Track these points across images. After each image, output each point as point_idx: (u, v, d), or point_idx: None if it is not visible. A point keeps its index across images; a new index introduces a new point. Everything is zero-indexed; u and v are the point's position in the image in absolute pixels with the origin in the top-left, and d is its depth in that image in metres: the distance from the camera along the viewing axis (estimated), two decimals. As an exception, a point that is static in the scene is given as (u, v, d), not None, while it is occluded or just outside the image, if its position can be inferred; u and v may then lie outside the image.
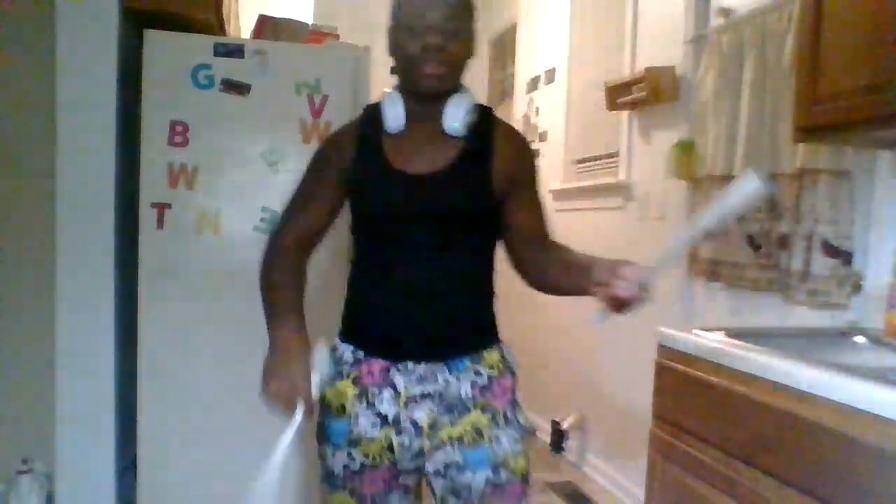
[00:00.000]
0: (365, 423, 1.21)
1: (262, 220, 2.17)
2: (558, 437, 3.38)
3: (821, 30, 1.53)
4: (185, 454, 2.16)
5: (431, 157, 1.22)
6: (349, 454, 1.22)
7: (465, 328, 1.26)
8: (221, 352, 2.17)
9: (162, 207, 2.11)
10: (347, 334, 1.29)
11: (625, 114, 2.92)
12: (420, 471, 1.25)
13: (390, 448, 1.21)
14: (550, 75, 3.76)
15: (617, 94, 2.82)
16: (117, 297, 2.13)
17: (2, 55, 2.15)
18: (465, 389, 1.22)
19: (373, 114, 1.26)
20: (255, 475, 1.35)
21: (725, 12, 2.25)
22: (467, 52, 1.20)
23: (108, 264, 2.10)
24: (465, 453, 1.20)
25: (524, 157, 1.31)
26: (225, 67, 2.12)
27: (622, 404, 2.89)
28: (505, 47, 4.53)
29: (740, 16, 2.17)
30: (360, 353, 1.24)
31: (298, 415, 1.14)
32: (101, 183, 2.09)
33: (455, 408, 1.22)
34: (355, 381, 1.23)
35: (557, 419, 3.39)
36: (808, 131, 1.59)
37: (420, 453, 1.22)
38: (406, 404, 1.21)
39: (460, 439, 1.21)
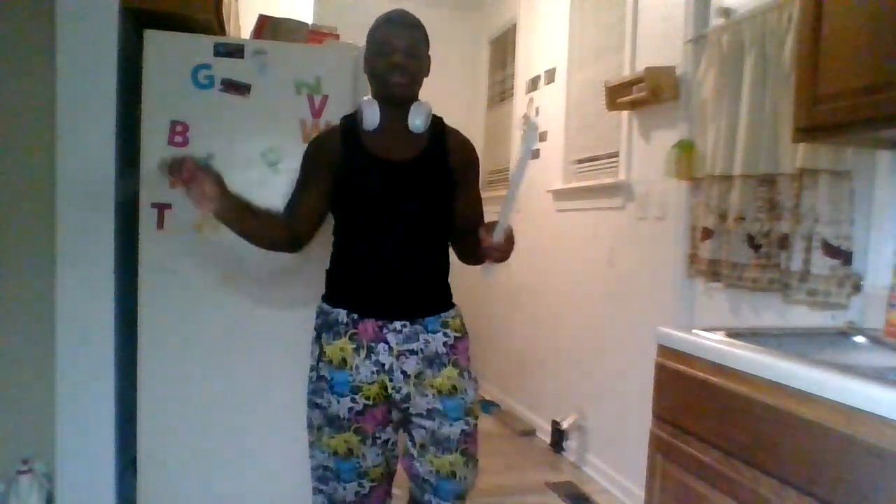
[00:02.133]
0: (364, 372, 1.52)
1: (262, 220, 2.17)
2: (558, 437, 3.39)
3: (821, 30, 1.53)
4: (185, 454, 2.16)
5: (403, 149, 1.56)
6: (353, 398, 1.52)
7: (433, 293, 1.60)
8: (221, 351, 2.17)
9: (162, 207, 2.11)
10: (340, 300, 1.56)
11: (625, 114, 2.93)
12: (405, 411, 1.56)
13: (384, 391, 1.53)
14: (550, 75, 3.76)
15: (617, 94, 2.82)
16: (117, 297, 2.13)
17: (2, 55, 2.15)
18: (440, 348, 1.56)
19: (350, 120, 1.61)
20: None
21: (725, 12, 2.25)
22: (423, 69, 1.57)
23: (108, 264, 2.10)
24: (444, 401, 1.55)
25: (470, 154, 1.67)
26: (225, 67, 2.12)
27: (622, 404, 2.89)
28: (505, 47, 4.53)
29: (740, 16, 2.17)
30: (355, 315, 1.53)
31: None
32: (101, 183, 2.09)
33: (434, 362, 1.55)
34: (352, 338, 1.53)
35: (557, 419, 3.39)
36: (808, 131, 1.59)
37: (407, 397, 1.54)
38: (398, 357, 1.53)
39: (439, 390, 1.54)
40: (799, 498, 1.18)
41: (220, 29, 2.33)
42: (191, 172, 1.37)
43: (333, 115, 2.19)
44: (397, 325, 1.53)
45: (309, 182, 1.60)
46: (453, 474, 1.57)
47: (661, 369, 1.61)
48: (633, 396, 2.73)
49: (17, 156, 2.17)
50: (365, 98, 1.57)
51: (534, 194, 3.83)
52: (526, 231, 3.83)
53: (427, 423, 1.55)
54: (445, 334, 1.58)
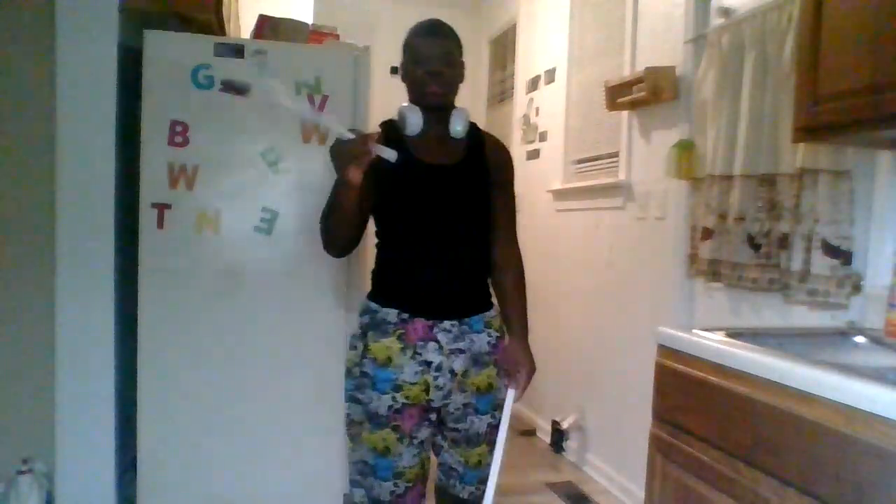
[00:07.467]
0: (409, 372, 1.55)
1: (262, 219, 2.17)
2: (558, 437, 3.39)
3: (821, 30, 1.53)
4: (185, 454, 2.16)
5: (446, 153, 1.62)
6: (393, 397, 1.55)
7: (477, 293, 1.66)
8: (221, 351, 2.17)
9: (162, 207, 2.11)
10: (389, 300, 1.59)
11: (625, 114, 2.93)
12: (440, 411, 1.62)
13: (426, 391, 1.57)
14: (550, 75, 3.76)
15: (617, 94, 2.82)
16: (117, 297, 2.13)
17: (2, 55, 2.15)
18: (485, 347, 1.63)
19: (391, 125, 1.64)
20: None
21: (725, 12, 2.25)
22: (459, 76, 1.63)
23: (108, 264, 2.10)
24: (479, 398, 1.63)
25: (505, 157, 1.75)
26: (225, 67, 2.12)
27: (622, 404, 2.89)
28: (505, 47, 4.53)
29: (740, 16, 2.17)
30: (405, 315, 1.57)
31: None
32: (101, 183, 2.09)
33: (479, 361, 1.62)
34: (400, 338, 1.56)
35: (557, 419, 3.39)
36: (808, 131, 1.59)
37: (448, 394, 1.59)
38: (448, 355, 1.58)
39: (478, 387, 1.62)
40: (799, 498, 1.18)
41: (220, 29, 2.33)
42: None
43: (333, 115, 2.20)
44: (447, 324, 1.58)
45: None
46: (479, 463, 1.67)
47: (661, 369, 1.60)
48: (633, 396, 2.73)
49: (18, 156, 2.17)
50: (405, 104, 1.60)
51: (534, 194, 3.83)
52: (526, 231, 3.83)
53: (460, 426, 1.64)
54: (489, 334, 1.64)
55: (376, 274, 1.66)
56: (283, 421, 2.22)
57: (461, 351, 1.59)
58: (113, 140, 2.09)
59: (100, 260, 2.10)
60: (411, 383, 1.55)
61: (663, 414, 1.59)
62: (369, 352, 1.57)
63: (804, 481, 1.17)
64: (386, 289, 1.62)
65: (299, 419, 2.22)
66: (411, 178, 1.58)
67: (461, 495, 1.70)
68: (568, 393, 3.40)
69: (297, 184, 2.19)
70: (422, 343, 1.56)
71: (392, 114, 1.65)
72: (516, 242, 1.75)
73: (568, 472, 3.21)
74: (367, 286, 1.68)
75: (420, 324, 1.57)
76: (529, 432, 3.73)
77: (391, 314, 1.57)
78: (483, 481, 1.68)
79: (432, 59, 1.55)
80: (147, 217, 2.10)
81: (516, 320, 1.69)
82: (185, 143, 2.11)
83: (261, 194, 2.18)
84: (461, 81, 1.64)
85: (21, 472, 2.09)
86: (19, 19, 2.15)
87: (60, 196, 2.07)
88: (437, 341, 1.57)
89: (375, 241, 1.67)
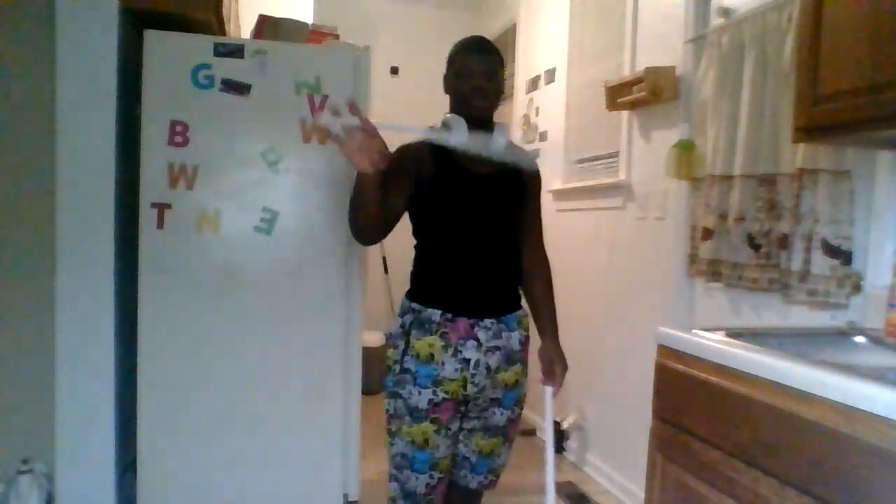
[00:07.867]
0: (449, 368, 1.64)
1: (262, 219, 2.17)
2: (558, 437, 3.39)
3: (821, 30, 1.53)
4: (185, 454, 2.16)
5: (486, 163, 1.68)
6: (434, 391, 1.64)
7: (513, 292, 1.77)
8: (221, 351, 2.17)
9: (162, 207, 2.11)
10: (433, 300, 1.67)
11: (625, 114, 2.93)
12: (469, 403, 1.70)
13: (463, 386, 1.65)
14: (550, 75, 3.76)
15: (617, 94, 2.82)
16: (117, 297, 2.13)
17: (2, 55, 2.15)
18: (515, 345, 1.73)
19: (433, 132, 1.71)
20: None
21: (725, 12, 2.25)
22: (501, 90, 1.72)
23: (108, 264, 2.10)
24: (506, 393, 1.73)
25: (537, 172, 1.83)
26: (225, 67, 2.12)
27: (622, 404, 2.89)
28: (505, 47, 4.53)
29: (740, 16, 2.17)
30: (449, 315, 1.65)
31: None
32: (101, 183, 2.09)
33: (510, 358, 1.72)
34: (442, 336, 1.65)
35: (557, 419, 3.39)
36: (808, 131, 1.59)
37: (482, 389, 1.68)
38: (485, 352, 1.66)
39: (506, 383, 1.72)
40: (799, 498, 1.18)
41: (220, 29, 2.33)
42: (371, 130, 1.44)
43: (333, 115, 2.19)
44: (487, 322, 1.67)
45: (391, 185, 1.61)
46: (492, 452, 1.78)
47: (661, 369, 1.61)
48: (633, 396, 2.73)
49: (17, 156, 2.17)
50: (449, 115, 1.68)
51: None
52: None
53: (482, 415, 1.73)
54: (520, 332, 1.75)
55: (417, 275, 1.74)
56: (283, 421, 2.22)
57: (498, 348, 1.68)
58: (113, 140, 2.09)
59: (100, 260, 2.10)
60: (451, 379, 1.64)
61: (663, 414, 1.59)
62: (411, 349, 1.65)
63: (804, 481, 1.17)
64: (429, 290, 1.69)
65: (299, 419, 2.22)
66: (456, 185, 1.67)
67: (471, 486, 1.79)
68: (568, 393, 3.40)
69: (297, 184, 2.19)
70: (462, 341, 1.65)
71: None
72: (544, 247, 1.86)
73: (568, 472, 3.21)
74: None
75: (463, 323, 1.65)
76: (529, 432, 3.73)
77: (436, 314, 1.65)
78: (493, 471, 1.81)
79: (477, 74, 1.64)
80: (147, 217, 2.10)
81: (548, 322, 1.82)
82: (185, 143, 2.11)
83: (261, 194, 2.17)
84: (502, 94, 1.73)
85: (21, 472, 2.09)
86: (20, 19, 2.15)
87: (60, 196, 2.07)
88: (476, 339, 1.65)
89: (413, 242, 1.76)
